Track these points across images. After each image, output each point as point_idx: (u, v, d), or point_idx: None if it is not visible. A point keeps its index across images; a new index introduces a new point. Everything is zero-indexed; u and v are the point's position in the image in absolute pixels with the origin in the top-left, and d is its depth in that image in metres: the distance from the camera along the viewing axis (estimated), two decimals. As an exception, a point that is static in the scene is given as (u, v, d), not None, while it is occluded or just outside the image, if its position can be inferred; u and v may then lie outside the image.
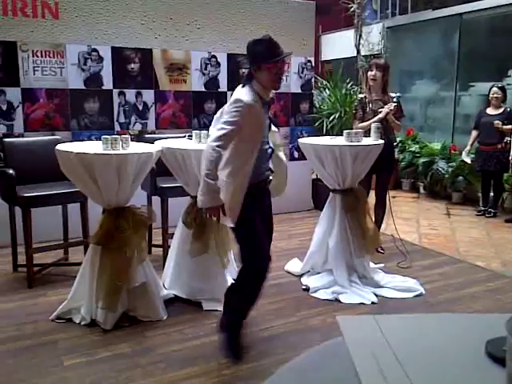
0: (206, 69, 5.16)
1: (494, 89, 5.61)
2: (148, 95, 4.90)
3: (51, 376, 2.46)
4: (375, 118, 4.05)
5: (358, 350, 0.73)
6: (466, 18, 6.99)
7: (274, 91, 2.57)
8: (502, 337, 0.78)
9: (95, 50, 4.63)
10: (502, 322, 0.53)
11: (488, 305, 3.28)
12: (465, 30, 7.05)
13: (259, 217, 2.61)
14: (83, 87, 4.63)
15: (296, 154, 5.71)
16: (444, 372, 0.73)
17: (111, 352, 2.67)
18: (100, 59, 4.66)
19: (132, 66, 4.81)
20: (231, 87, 5.31)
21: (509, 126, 5.41)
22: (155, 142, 3.34)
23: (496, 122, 5.46)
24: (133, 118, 4.86)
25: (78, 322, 2.95)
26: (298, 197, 5.72)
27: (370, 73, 4.19)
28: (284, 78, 5.54)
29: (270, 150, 2.65)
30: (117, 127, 4.79)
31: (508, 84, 6.18)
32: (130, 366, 2.54)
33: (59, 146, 2.92)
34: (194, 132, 3.43)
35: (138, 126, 4.89)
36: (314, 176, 5.68)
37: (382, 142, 3.69)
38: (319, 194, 5.46)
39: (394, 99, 4.16)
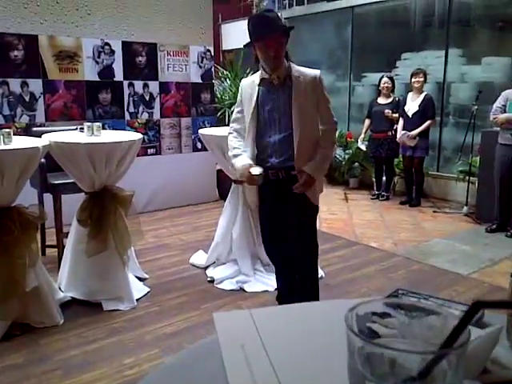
0: (99, 57, 4.91)
1: (384, 79, 5.95)
2: (35, 85, 4.55)
3: None
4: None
5: (228, 343, 0.73)
6: (358, 11, 7.34)
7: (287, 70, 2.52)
8: (360, 314, 0.81)
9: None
10: (367, 306, 0.55)
11: (380, 283, 3.51)
12: (357, 23, 7.40)
13: (267, 206, 2.69)
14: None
15: (199, 145, 5.66)
16: (306, 358, 0.75)
17: (2, 364, 2.47)
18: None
19: (15, 53, 4.44)
20: (127, 76, 5.12)
21: (396, 115, 5.79)
22: (43, 136, 3.11)
23: (386, 110, 5.81)
24: (19, 110, 4.50)
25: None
26: (203, 188, 5.69)
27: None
28: (183, 67, 5.45)
29: (273, 140, 2.53)
30: (0, 120, 4.40)
31: (396, 74, 6.61)
32: (23, 378, 2.37)
33: None
34: (86, 124, 3.25)
35: (25, 119, 4.53)
36: (218, 166, 5.67)
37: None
38: (224, 184, 5.46)
39: None
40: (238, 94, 2.72)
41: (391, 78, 5.98)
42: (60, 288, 3.17)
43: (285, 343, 0.74)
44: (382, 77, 6.00)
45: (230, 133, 2.74)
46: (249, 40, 2.49)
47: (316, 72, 2.51)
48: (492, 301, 0.38)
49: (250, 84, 2.60)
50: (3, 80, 4.40)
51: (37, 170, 3.01)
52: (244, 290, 3.36)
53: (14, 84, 4.45)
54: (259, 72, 2.60)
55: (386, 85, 5.91)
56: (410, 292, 0.85)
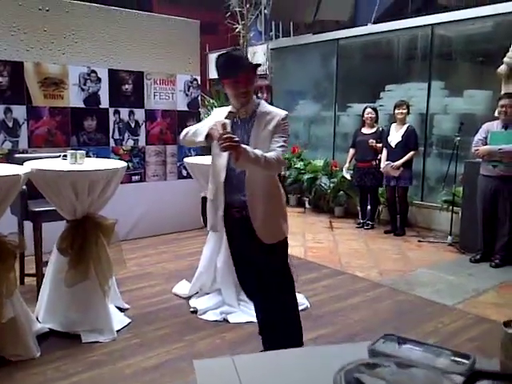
0: (85, 84, 4.90)
1: (368, 109, 6.05)
2: (19, 111, 4.51)
3: None
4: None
5: None
6: (342, 43, 7.50)
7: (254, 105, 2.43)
8: (348, 369, 0.79)
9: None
10: (358, 352, 0.53)
11: (366, 315, 3.47)
12: (341, 55, 7.55)
13: (236, 243, 2.67)
14: None
15: (184, 172, 5.64)
16: None
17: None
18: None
19: (0, 79, 4.41)
20: (113, 104, 5.11)
21: (380, 145, 5.86)
22: (25, 163, 3.06)
23: (370, 140, 5.88)
24: (1, 136, 4.44)
25: None
26: (188, 215, 5.63)
27: (260, 95, 4.30)
28: (170, 95, 5.48)
29: (233, 174, 2.41)
30: (-18, 146, 4.35)
31: (380, 105, 6.72)
32: (-6, 416, 2.27)
33: None
34: (70, 152, 3.22)
35: (8, 145, 4.47)
36: (203, 194, 5.64)
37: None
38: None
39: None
40: (207, 118, 2.68)
41: (374, 109, 6.08)
42: (38, 319, 3.07)
43: None
44: (366, 107, 6.09)
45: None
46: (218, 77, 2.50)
47: (283, 112, 2.44)
48: (490, 371, 0.36)
49: (221, 115, 2.50)
50: (-14, 106, 4.36)
51: (17, 197, 2.94)
52: (228, 321, 3.30)
53: (-2, 110, 4.42)
54: (227, 107, 2.56)
55: (369, 115, 6.00)
56: (399, 337, 0.83)
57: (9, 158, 3.84)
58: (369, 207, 6.18)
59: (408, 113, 5.75)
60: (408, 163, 5.67)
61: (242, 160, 2.15)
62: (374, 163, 5.92)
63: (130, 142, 5.29)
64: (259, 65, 2.60)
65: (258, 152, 2.25)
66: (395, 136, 5.72)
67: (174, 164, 5.65)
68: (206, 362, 0.83)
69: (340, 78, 7.59)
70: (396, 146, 5.68)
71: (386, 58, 7.12)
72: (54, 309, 3.06)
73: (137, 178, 5.35)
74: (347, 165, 6.26)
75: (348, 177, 6.29)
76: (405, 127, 5.71)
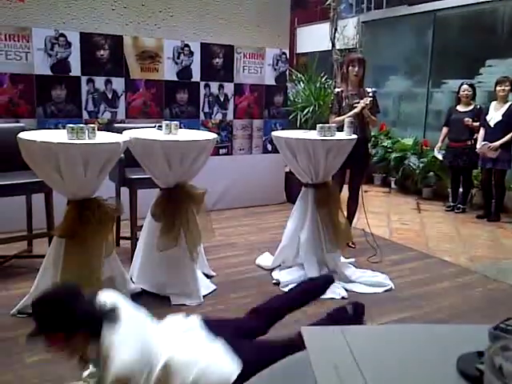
0: (178, 58, 5.04)
1: (464, 86, 5.67)
2: (118, 83, 4.76)
3: (11, 373, 2.36)
4: (351, 113, 4.04)
5: (321, 362, 0.69)
6: (440, 15, 7.05)
7: None
8: (473, 353, 0.75)
9: (63, 35, 4.46)
10: (474, 335, 0.50)
11: (455, 301, 3.32)
12: (438, 27, 7.11)
13: None
14: (50, 73, 4.46)
15: (269, 147, 5.67)
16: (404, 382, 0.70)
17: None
18: (68, 45, 4.50)
19: (101, 52, 4.66)
20: (204, 77, 5.22)
21: (476, 124, 5.49)
22: (124, 132, 3.23)
23: (466, 119, 5.52)
24: (102, 107, 4.72)
25: (40, 317, 2.85)
26: (271, 190, 5.69)
27: (351, 68, 4.17)
28: (258, 69, 5.50)
29: None
30: (85, 116, 4.64)
31: (479, 82, 6.28)
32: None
33: (22, 135, 2.78)
34: (164, 122, 3.34)
35: (107, 115, 4.75)
36: (287, 169, 5.65)
37: (355, 137, 3.67)
38: (292, 188, 5.44)
39: (370, 94, 4.16)
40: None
41: (472, 86, 5.69)
42: (132, 279, 3.28)
43: (384, 368, 0.69)
44: (462, 84, 5.72)
45: None
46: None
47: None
48: None
49: None
50: (89, 78, 4.63)
51: (116, 165, 3.11)
52: (309, 296, 3.31)
53: (99, 82, 4.68)
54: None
55: (465, 92, 5.63)
56: None
57: (108, 127, 4.07)
58: (461, 190, 5.86)
59: (511, 90, 5.32)
60: (507, 145, 5.27)
61: None
62: (468, 143, 5.57)
63: (219, 116, 5.39)
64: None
65: None
66: (495, 115, 5.32)
67: (260, 138, 5.70)
68: (315, 330, 0.83)
69: (435, 52, 7.16)
70: (495, 125, 5.29)
71: (488, 31, 6.58)
72: (146, 271, 3.24)
73: (224, 151, 5.47)
74: (439, 144, 5.94)
75: (440, 157, 5.98)
76: (506, 105, 5.29)
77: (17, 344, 2.60)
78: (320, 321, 2.38)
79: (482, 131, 5.43)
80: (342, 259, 3.74)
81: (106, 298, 1.90)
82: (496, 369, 0.42)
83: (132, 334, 1.78)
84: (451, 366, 0.77)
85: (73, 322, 1.72)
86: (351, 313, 2.42)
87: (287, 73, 5.89)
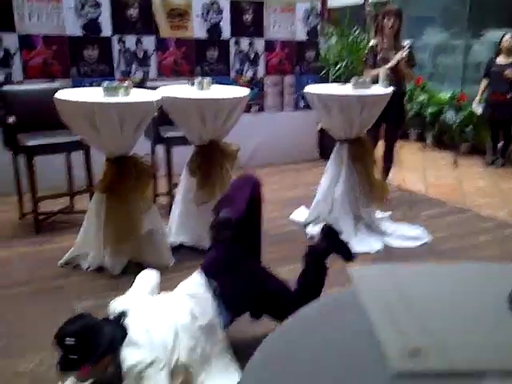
0: (207, 15, 4.96)
1: (507, 36, 5.41)
2: (148, 42, 4.74)
3: (62, 320, 2.48)
4: (387, 66, 3.93)
5: (372, 300, 0.70)
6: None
7: None
8: None
9: (92, -5, 4.45)
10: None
11: (494, 254, 3.27)
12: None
13: None
14: (81, 34, 4.48)
15: (301, 104, 5.59)
16: (463, 325, 0.70)
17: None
18: (97, 5, 4.48)
19: (131, 11, 4.63)
20: (234, 34, 5.14)
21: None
22: (157, 90, 3.24)
23: (507, 71, 5.28)
24: (133, 66, 4.73)
25: (85, 267, 2.99)
26: (304, 146, 5.65)
27: (386, 21, 4.02)
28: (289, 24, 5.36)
29: None
30: (117, 75, 4.66)
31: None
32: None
33: (58, 95, 2.83)
34: (197, 79, 3.33)
35: (139, 74, 4.76)
36: (320, 125, 5.58)
37: (391, 89, 3.58)
38: (325, 144, 5.38)
39: (406, 47, 4.02)
40: None
41: (515, 36, 5.41)
42: (170, 233, 3.36)
43: (435, 306, 0.69)
44: (505, 34, 5.44)
45: None
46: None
47: None
48: None
49: None
50: (120, 37, 4.63)
51: (150, 123, 3.14)
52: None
53: (130, 41, 4.67)
54: None
55: (508, 43, 5.36)
56: None
57: (141, 86, 4.08)
58: (500, 144, 5.67)
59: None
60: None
61: None
62: (509, 96, 5.35)
63: (250, 73, 5.33)
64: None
65: None
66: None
67: (291, 95, 5.62)
68: (363, 269, 0.83)
69: (474, 1, 6.80)
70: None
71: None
72: (184, 225, 3.31)
73: (255, 108, 5.43)
74: (478, 97, 5.72)
75: (479, 110, 5.77)
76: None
77: (66, 292, 2.75)
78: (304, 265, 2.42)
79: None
80: (378, 213, 3.72)
81: (116, 306, 1.97)
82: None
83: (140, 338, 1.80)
84: (503, 302, 0.77)
85: (101, 352, 1.73)
86: (324, 243, 2.43)
87: (319, 28, 5.73)
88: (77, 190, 3.90)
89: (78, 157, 3.70)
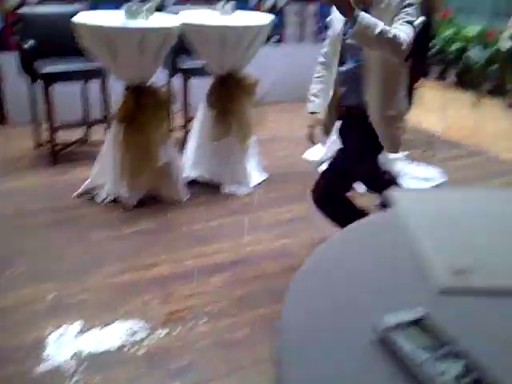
0: None
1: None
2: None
3: (80, 248, 2.59)
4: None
5: (416, 220, 0.72)
6: None
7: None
8: None
9: None
10: None
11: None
12: None
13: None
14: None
15: (323, 35, 5.38)
16: (504, 245, 0.72)
17: (135, 228, 2.78)
18: None
19: None
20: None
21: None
22: (178, 14, 3.13)
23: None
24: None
25: (102, 198, 3.03)
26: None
27: None
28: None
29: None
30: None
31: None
32: (154, 241, 2.66)
33: (76, 18, 2.76)
34: (220, 3, 3.22)
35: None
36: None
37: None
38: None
39: None
40: None
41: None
42: (185, 167, 3.38)
43: (475, 224, 0.71)
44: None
45: (319, 60, 2.40)
46: None
47: None
48: None
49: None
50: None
51: (168, 52, 3.07)
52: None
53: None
54: None
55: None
56: None
57: (162, 9, 3.94)
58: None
59: None
60: None
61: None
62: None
63: (271, 0, 5.09)
64: None
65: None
66: None
67: (314, 25, 5.40)
68: (403, 192, 0.86)
69: None
70: None
71: None
72: (199, 160, 3.33)
73: (275, 38, 5.24)
74: (507, 32, 5.44)
75: (506, 45, 5.49)
76: None
77: (80, 223, 2.82)
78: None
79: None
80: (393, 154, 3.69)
81: None
82: None
83: None
84: None
85: None
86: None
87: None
88: (93, 120, 3.88)
89: (94, 86, 3.66)
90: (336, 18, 2.12)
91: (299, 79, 5.29)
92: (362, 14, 1.78)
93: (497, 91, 6.07)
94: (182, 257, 2.53)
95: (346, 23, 1.97)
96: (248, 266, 2.46)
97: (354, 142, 2.27)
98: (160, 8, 3.98)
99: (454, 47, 6.42)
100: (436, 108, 5.40)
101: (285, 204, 3.11)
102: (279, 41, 5.29)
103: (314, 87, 2.35)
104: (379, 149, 2.26)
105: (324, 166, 3.59)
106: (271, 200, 3.16)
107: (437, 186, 3.41)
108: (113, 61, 2.73)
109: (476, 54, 6.09)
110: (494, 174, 3.67)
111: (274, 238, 2.72)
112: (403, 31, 1.86)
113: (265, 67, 4.86)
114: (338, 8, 1.83)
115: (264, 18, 3.23)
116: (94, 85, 3.64)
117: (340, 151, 2.36)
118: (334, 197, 2.30)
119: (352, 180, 2.39)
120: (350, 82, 2.15)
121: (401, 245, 0.72)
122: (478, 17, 6.81)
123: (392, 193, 0.80)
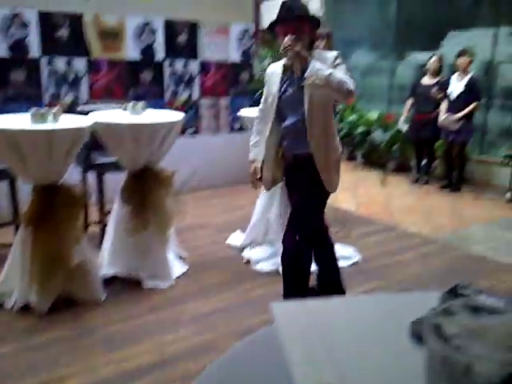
0: (141, 36, 4.94)
1: (433, 58, 5.75)
2: (80, 64, 4.64)
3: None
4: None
5: (288, 337, 0.75)
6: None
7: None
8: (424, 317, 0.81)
9: (19, 15, 4.29)
10: (423, 301, 0.56)
11: (418, 270, 3.46)
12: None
13: (289, 190, 2.81)
14: (7, 55, 4.31)
15: (237, 125, 5.66)
16: (369, 354, 0.75)
17: (49, 336, 2.59)
18: (25, 25, 4.34)
19: (61, 32, 4.52)
20: (169, 55, 5.14)
21: (442, 95, 5.58)
22: (89, 114, 3.18)
23: (433, 90, 5.58)
24: (64, 89, 4.60)
25: (9, 307, 2.83)
26: (240, 169, 5.69)
27: (318, 43, 4.17)
28: (223, 46, 5.41)
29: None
30: (46, 99, 4.52)
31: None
32: (69, 350, 2.48)
33: (-20, 121, 2.71)
34: (130, 103, 3.31)
35: (70, 97, 4.63)
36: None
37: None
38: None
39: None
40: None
41: (440, 58, 5.77)
42: (101, 264, 3.27)
43: (345, 338, 0.75)
44: (432, 56, 5.79)
45: (256, 115, 2.85)
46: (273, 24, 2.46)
47: (334, 52, 2.44)
48: None
49: (273, 71, 2.63)
50: (49, 59, 4.49)
51: (81, 149, 3.07)
52: (279, 273, 3.39)
53: (60, 63, 4.54)
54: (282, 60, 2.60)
55: (434, 65, 5.70)
56: (470, 287, 0.84)
57: (71, 109, 3.98)
58: (424, 161, 6.02)
59: (472, 61, 5.44)
60: (469, 116, 5.42)
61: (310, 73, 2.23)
62: (432, 115, 5.68)
63: (185, 95, 5.33)
64: (314, 16, 2.53)
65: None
66: (457, 86, 5.45)
67: (227, 117, 5.68)
68: (282, 304, 0.88)
69: (400, 24, 7.22)
70: (458, 96, 5.42)
71: (450, 2, 6.69)
72: (117, 255, 3.24)
73: (191, 130, 5.43)
74: (404, 115, 6.04)
75: (404, 128, 6.08)
76: (467, 77, 5.42)
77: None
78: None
79: (444, 104, 5.55)
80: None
81: None
82: (434, 327, 0.47)
83: None
84: (405, 332, 0.84)
85: None
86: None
87: (252, 49, 5.85)
88: (1, 223, 3.70)
89: (2, 186, 3.53)
90: (272, 82, 2.59)
91: (216, 168, 5.48)
92: (314, 61, 2.25)
93: (401, 169, 6.60)
94: (99, 364, 2.37)
95: (284, 82, 2.49)
96: (169, 368, 2.35)
97: (304, 186, 2.59)
98: (72, 109, 4.03)
99: (359, 130, 6.98)
100: (348, 187, 5.75)
101: (207, 295, 3.07)
102: (195, 132, 5.48)
103: (253, 139, 2.77)
104: (326, 192, 2.60)
105: (247, 251, 3.67)
106: (192, 292, 3.11)
107: (353, 264, 3.54)
108: (21, 163, 2.67)
109: (379, 136, 6.66)
110: (405, 248, 3.89)
111: (197, 334, 2.64)
112: (347, 77, 2.31)
113: (182, 158, 4.98)
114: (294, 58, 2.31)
115: (175, 115, 3.35)
116: (2, 184, 3.51)
117: (295, 198, 2.71)
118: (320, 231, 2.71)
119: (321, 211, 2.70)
120: (293, 135, 2.52)
121: (278, 364, 0.73)
122: (377, 103, 7.53)
123: (273, 305, 0.83)
